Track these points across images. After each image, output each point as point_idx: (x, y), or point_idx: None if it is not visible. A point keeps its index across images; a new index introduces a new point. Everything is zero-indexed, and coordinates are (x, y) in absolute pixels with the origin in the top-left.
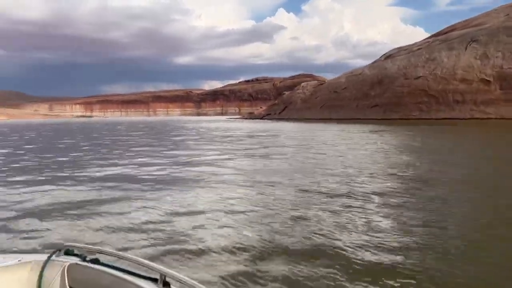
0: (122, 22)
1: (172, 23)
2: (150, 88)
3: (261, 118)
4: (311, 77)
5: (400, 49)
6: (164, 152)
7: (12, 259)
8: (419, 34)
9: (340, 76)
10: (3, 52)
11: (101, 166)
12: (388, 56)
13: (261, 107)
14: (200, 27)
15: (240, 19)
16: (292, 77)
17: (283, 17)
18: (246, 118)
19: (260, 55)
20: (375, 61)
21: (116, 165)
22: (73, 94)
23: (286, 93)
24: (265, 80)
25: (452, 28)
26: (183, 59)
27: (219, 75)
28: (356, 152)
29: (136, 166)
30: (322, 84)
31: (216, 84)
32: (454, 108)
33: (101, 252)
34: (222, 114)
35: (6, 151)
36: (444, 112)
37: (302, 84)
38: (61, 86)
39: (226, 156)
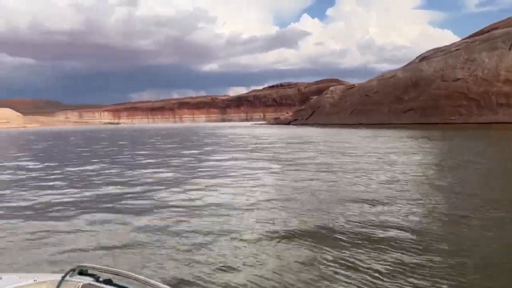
0: (149, 30)
1: (197, 31)
2: (176, 95)
3: (288, 124)
4: (337, 81)
5: (436, 50)
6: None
7: (27, 279)
8: (448, 37)
9: (371, 80)
10: (36, 61)
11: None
12: (424, 57)
13: (287, 113)
14: (225, 34)
15: (265, 25)
16: (317, 82)
17: (307, 22)
18: (272, 124)
19: (285, 60)
20: (408, 64)
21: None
22: (102, 101)
23: (314, 97)
24: (289, 85)
25: (493, 27)
26: (209, 66)
27: (244, 81)
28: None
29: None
30: (352, 88)
31: (241, 90)
32: (498, 111)
33: (114, 273)
34: (246, 120)
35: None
36: (487, 116)
37: (331, 88)
38: (90, 94)
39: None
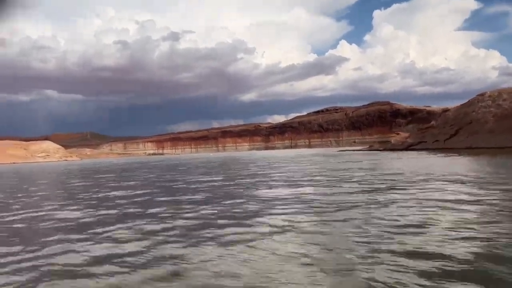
0: (190, 64)
1: (237, 62)
2: (216, 124)
3: (406, 149)
4: (388, 104)
5: None
6: None
7: None
8: (494, 57)
9: None
10: (82, 96)
11: None
12: None
13: (397, 133)
14: (263, 64)
15: (302, 54)
16: (366, 106)
17: (345, 48)
18: (378, 149)
19: (323, 87)
20: None
21: None
22: (145, 133)
23: (451, 109)
24: (335, 110)
25: None
26: (248, 96)
27: (282, 109)
28: None
29: None
30: None
31: (279, 118)
32: None
33: None
34: (291, 147)
35: None
36: None
37: (488, 93)
38: (134, 126)
39: None
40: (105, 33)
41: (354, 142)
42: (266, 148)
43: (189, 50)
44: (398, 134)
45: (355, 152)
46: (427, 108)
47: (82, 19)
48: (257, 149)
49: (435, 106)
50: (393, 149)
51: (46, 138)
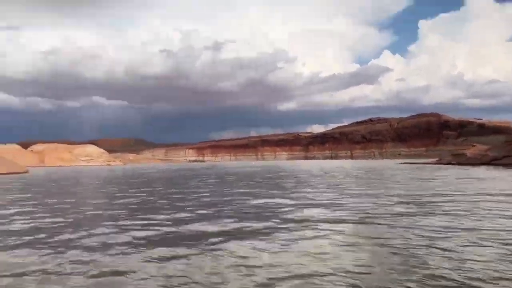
0: (231, 73)
1: (277, 71)
2: (254, 133)
3: (488, 164)
4: (436, 116)
5: None
6: None
7: None
8: None
9: None
10: (127, 104)
11: None
12: None
13: (472, 145)
14: (304, 73)
15: (344, 63)
16: (413, 117)
17: (388, 59)
18: (448, 164)
19: (364, 97)
20: None
21: None
22: (186, 140)
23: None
24: (379, 120)
25: None
26: (287, 105)
27: (322, 119)
28: None
29: None
30: None
31: (319, 128)
32: None
33: None
34: (331, 158)
35: None
36: None
37: None
38: (175, 133)
39: None
40: (151, 43)
41: (399, 154)
42: (306, 158)
43: (230, 59)
44: (474, 146)
45: (422, 165)
46: (478, 121)
47: (130, 29)
48: (296, 158)
49: (486, 119)
50: (470, 163)
51: (92, 143)
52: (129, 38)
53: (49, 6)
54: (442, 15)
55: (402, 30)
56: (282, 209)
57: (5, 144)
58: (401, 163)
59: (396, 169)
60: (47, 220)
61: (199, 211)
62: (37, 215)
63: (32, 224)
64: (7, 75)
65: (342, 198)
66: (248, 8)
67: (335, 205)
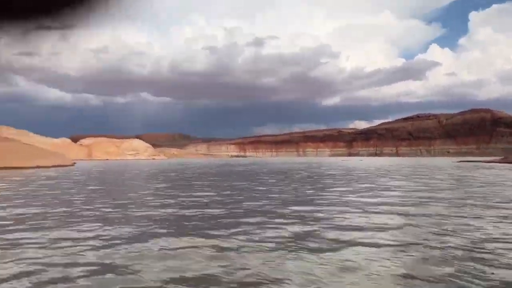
0: (273, 68)
1: (320, 66)
2: (297, 129)
3: None
4: (488, 112)
5: None
6: None
7: None
8: None
9: None
10: (171, 99)
11: None
12: None
13: None
14: (348, 68)
15: (389, 58)
16: (462, 113)
17: (436, 52)
18: None
19: (411, 93)
20: None
21: None
22: (228, 135)
23: None
24: (427, 117)
25: None
26: (331, 100)
27: (366, 115)
28: None
29: None
30: None
31: (362, 125)
32: None
33: None
34: (376, 154)
35: None
36: None
37: None
38: (218, 128)
39: None
40: (195, 40)
41: (448, 152)
42: (349, 154)
43: (272, 55)
44: None
45: (487, 164)
46: None
47: (175, 27)
48: (340, 155)
49: None
50: None
51: (137, 137)
52: (174, 36)
53: (101, 6)
54: (495, 6)
55: (451, 23)
56: None
57: (57, 138)
58: (460, 161)
59: (461, 169)
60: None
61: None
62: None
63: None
64: (61, 72)
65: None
66: (293, 6)
67: None
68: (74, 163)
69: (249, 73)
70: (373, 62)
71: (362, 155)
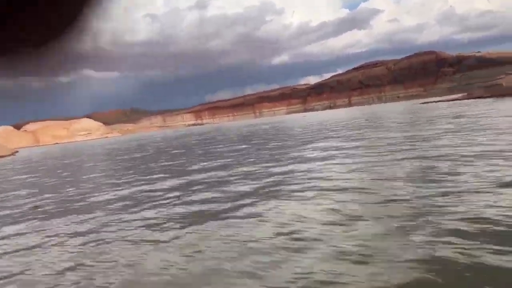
0: (219, 31)
1: (266, 24)
2: (250, 91)
3: None
4: (433, 54)
5: None
6: None
7: None
8: None
9: None
10: (118, 74)
11: None
12: None
13: (507, 73)
14: (294, 24)
15: (333, 10)
16: (409, 57)
17: (378, 0)
18: (478, 97)
19: (357, 43)
20: None
21: None
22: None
23: None
24: (375, 64)
25: None
26: (279, 59)
27: (316, 70)
28: None
29: None
30: None
31: (315, 79)
32: None
33: None
34: (330, 107)
35: None
36: None
37: None
38: (172, 100)
39: None
40: (135, 8)
41: (398, 97)
42: (305, 110)
43: (217, 17)
44: (509, 74)
45: (452, 103)
46: (477, 54)
47: None
48: (295, 112)
49: (485, 52)
50: (507, 94)
51: (87, 117)
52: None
53: None
54: None
55: None
56: None
57: None
58: (423, 103)
59: (429, 110)
60: None
61: None
62: None
63: None
64: None
65: None
66: None
67: None
68: (16, 152)
69: (195, 38)
70: (318, 15)
71: (317, 110)
